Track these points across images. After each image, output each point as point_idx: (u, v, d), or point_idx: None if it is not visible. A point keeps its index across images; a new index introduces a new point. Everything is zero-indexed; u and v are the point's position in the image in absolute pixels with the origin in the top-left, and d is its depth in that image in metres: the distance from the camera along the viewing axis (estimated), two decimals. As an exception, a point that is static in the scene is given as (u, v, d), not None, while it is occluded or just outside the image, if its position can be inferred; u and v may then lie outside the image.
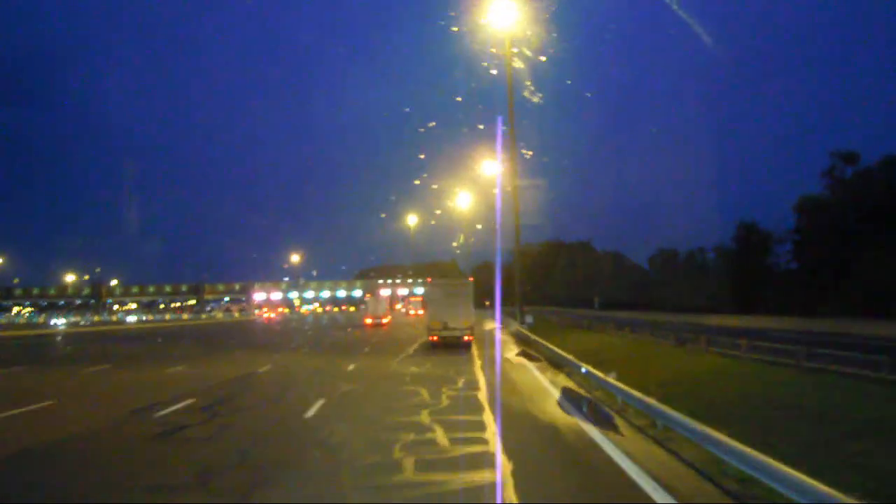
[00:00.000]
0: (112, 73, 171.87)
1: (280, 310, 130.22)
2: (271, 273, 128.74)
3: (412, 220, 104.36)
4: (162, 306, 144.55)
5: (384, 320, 52.24)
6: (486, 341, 30.19)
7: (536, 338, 24.48)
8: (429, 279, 33.82)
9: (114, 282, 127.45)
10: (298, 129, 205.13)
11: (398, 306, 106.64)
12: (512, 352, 23.65)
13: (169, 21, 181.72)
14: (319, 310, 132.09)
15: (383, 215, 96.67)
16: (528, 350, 23.32)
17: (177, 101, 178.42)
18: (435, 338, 25.48)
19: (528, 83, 29.13)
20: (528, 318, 37.80)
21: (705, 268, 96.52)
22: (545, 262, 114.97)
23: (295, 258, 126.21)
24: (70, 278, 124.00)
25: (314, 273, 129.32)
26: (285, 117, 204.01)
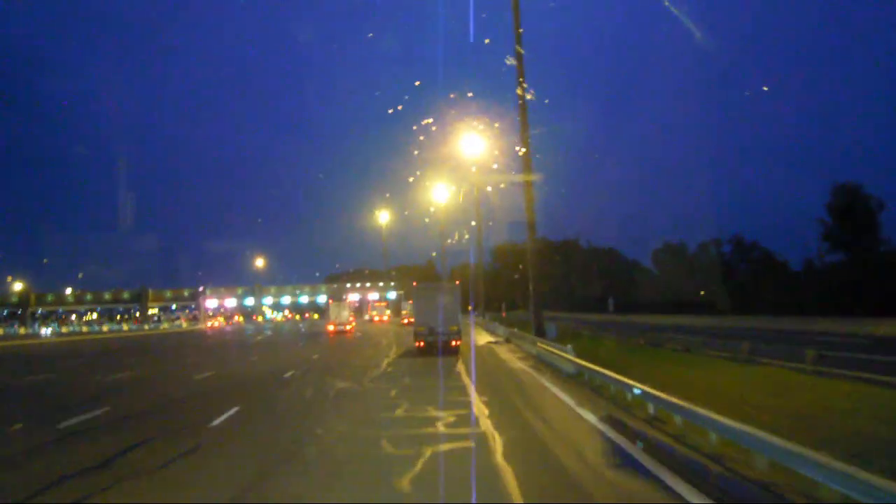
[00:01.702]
0: (79, 71, 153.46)
1: (235, 318, 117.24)
2: (236, 278, 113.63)
3: (384, 217, 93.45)
4: (126, 316, 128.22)
5: (347, 327, 48.43)
6: (498, 379, 16.18)
7: (618, 377, 10.64)
8: (414, 283, 30.98)
9: (68, 290, 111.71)
10: (263, 124, 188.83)
11: (371, 312, 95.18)
12: (589, 431, 9.55)
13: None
14: (280, 318, 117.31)
15: (379, 214, 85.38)
16: (627, 419, 9.22)
17: (128, 97, 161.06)
18: (421, 343, 23.61)
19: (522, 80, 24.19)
20: (552, 330, 24.15)
21: (722, 261, 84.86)
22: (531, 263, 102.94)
23: (259, 262, 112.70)
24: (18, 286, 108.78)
25: (263, 286, 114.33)
26: (250, 113, 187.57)
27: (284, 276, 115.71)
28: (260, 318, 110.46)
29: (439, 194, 55.00)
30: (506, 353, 23.25)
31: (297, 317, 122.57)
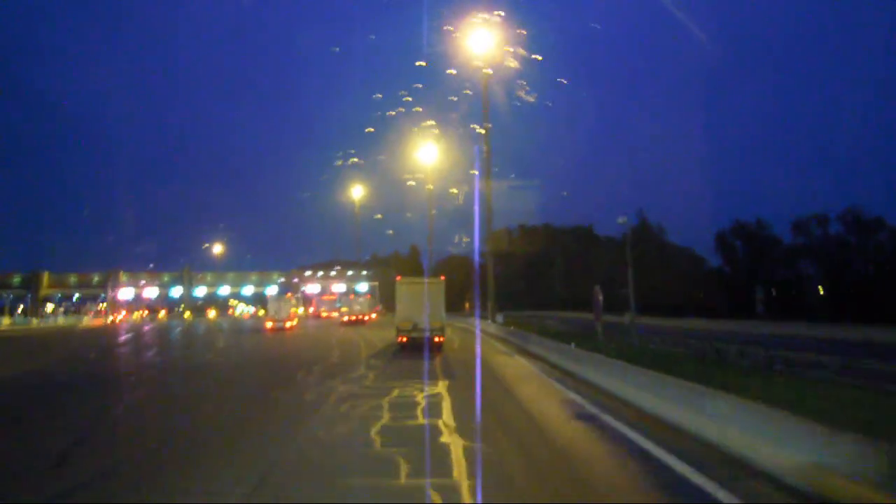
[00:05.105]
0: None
1: (161, 312, 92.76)
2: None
3: (357, 191, 76.75)
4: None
5: (287, 324, 43.20)
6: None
7: None
8: (398, 276, 28.60)
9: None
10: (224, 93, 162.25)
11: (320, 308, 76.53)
12: None
13: None
14: (212, 315, 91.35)
15: (379, 216, 73.42)
16: None
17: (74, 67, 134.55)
18: (404, 338, 23.23)
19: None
20: None
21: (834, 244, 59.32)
22: (535, 254, 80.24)
23: (217, 249, 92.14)
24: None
25: (195, 272, 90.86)
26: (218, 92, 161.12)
27: (249, 268, 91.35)
28: (188, 314, 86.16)
29: (429, 156, 49.25)
30: None
31: (247, 314, 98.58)
